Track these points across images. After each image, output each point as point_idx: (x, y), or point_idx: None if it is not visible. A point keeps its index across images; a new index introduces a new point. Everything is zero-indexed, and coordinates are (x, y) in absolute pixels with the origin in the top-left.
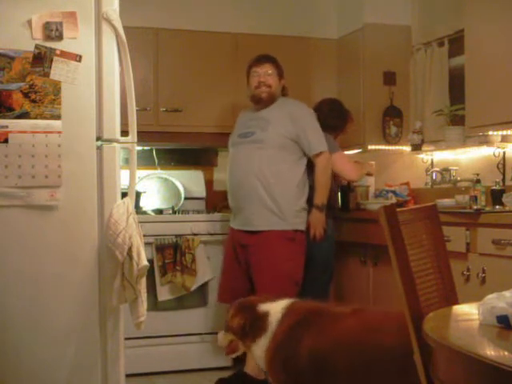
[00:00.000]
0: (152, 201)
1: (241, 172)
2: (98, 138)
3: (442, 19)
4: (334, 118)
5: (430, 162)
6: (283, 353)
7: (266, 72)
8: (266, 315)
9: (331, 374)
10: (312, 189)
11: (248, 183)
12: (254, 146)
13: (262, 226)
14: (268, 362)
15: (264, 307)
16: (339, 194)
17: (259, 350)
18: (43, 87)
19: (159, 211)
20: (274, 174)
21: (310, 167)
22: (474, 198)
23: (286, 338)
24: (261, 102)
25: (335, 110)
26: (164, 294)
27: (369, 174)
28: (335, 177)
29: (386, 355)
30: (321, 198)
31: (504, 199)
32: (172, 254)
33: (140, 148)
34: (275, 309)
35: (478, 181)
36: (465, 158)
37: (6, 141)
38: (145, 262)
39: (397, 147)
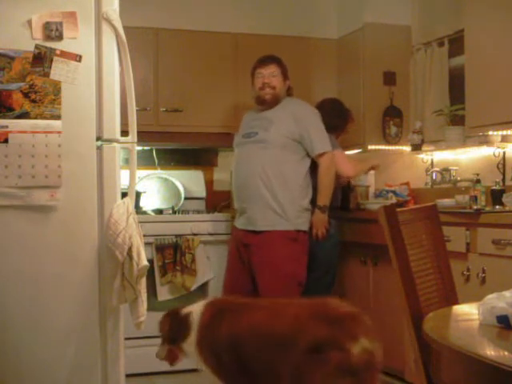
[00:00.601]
0: (152, 201)
1: (244, 172)
2: (98, 138)
3: (442, 19)
4: (334, 118)
5: (430, 162)
6: (208, 342)
7: (270, 73)
8: (188, 315)
9: (245, 360)
10: (316, 189)
11: (251, 183)
12: (257, 146)
13: (265, 227)
14: (199, 355)
15: (186, 309)
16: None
17: (190, 347)
18: (43, 87)
19: (159, 211)
20: (277, 174)
21: (315, 168)
22: (474, 198)
23: (207, 329)
24: (265, 104)
25: (336, 109)
26: (164, 294)
27: (373, 168)
28: (337, 177)
29: (284, 345)
30: (323, 199)
31: (504, 199)
32: (172, 254)
33: (140, 148)
34: (196, 307)
35: (478, 181)
36: (465, 157)
37: (6, 141)
38: (145, 262)
39: (397, 147)
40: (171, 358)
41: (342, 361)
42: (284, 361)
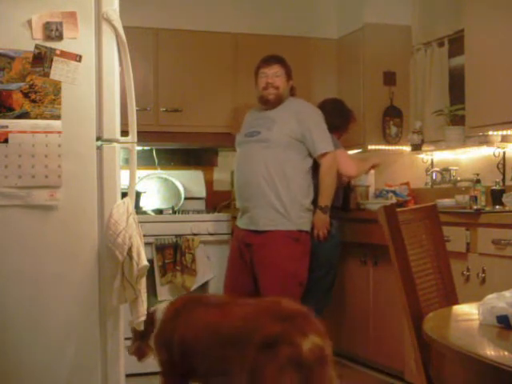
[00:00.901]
0: (152, 201)
1: (247, 171)
2: (98, 138)
3: (442, 19)
4: (336, 118)
5: (430, 162)
6: (163, 340)
7: (274, 73)
8: (153, 313)
9: (195, 358)
10: (317, 189)
11: (254, 182)
12: (259, 145)
13: (268, 226)
14: (157, 352)
15: (154, 307)
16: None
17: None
18: (43, 87)
19: (159, 211)
20: (279, 174)
21: (317, 168)
22: (474, 198)
23: (164, 327)
24: (268, 104)
25: (338, 109)
26: (164, 293)
27: (374, 167)
28: (338, 176)
29: (236, 343)
30: (325, 199)
31: (504, 199)
32: (172, 254)
33: (140, 148)
34: (161, 306)
35: (478, 181)
36: (465, 157)
37: (6, 141)
38: (145, 262)
39: (397, 147)
40: (140, 353)
41: (293, 355)
42: (236, 358)
